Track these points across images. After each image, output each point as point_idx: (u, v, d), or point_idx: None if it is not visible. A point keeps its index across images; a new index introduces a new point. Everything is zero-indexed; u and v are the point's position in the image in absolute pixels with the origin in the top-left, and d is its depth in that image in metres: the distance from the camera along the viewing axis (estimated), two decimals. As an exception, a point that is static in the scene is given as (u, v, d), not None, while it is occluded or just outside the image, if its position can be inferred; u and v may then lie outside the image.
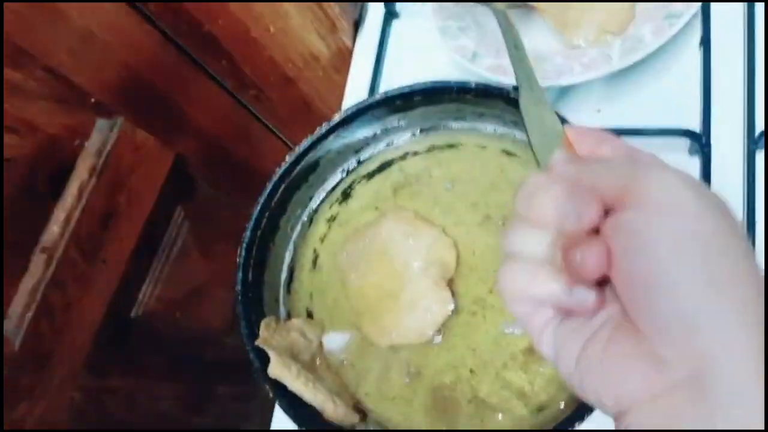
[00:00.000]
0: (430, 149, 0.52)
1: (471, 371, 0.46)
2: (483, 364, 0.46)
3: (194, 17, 0.61)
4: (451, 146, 0.51)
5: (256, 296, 0.49)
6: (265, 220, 0.49)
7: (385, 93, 0.47)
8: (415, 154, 0.53)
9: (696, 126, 0.48)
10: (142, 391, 0.76)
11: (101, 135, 0.64)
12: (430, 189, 0.51)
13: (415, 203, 0.51)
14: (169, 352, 0.79)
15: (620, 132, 0.49)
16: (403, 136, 0.53)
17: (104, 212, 0.64)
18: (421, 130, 0.52)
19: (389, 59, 0.61)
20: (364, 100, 0.48)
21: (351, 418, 0.46)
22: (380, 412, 0.48)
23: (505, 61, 0.51)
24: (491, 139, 0.50)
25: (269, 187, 0.49)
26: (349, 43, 0.64)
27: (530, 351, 0.45)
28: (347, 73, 0.64)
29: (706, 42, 0.50)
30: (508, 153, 0.49)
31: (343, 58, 0.64)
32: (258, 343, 0.46)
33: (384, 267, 0.49)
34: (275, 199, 0.50)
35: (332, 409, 0.46)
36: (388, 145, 0.53)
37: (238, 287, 0.48)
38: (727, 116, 0.49)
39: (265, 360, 0.45)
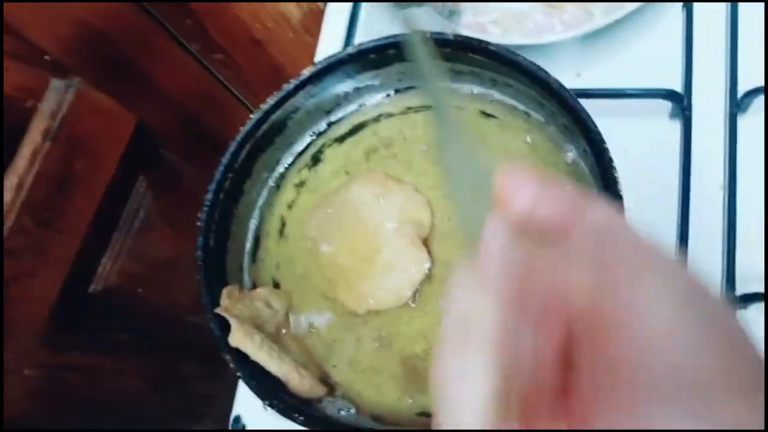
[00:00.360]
0: (405, 111, 0.50)
1: (443, 340, 0.44)
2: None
3: (157, -28, 0.58)
4: (427, 107, 0.49)
5: (218, 263, 0.47)
6: (228, 183, 0.47)
7: (359, 45, 0.45)
8: (390, 115, 0.50)
9: (678, 88, 0.47)
10: (105, 369, 0.73)
11: (57, 96, 0.60)
12: (405, 152, 0.49)
13: (389, 167, 0.49)
14: (132, 329, 0.76)
15: (601, 94, 0.47)
16: (376, 97, 0.50)
17: (60, 178, 0.61)
18: (396, 91, 0.50)
19: (363, 20, 0.59)
20: (336, 53, 0.45)
21: (317, 391, 0.44)
22: (349, 385, 0.46)
23: (484, 19, 0.49)
24: (468, 100, 0.48)
25: (233, 146, 0.46)
26: (321, 3, 0.61)
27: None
28: (319, 36, 0.61)
29: (688, 3, 0.48)
30: (486, 114, 0.47)
31: (315, 20, 0.61)
32: (219, 311, 0.43)
33: (356, 231, 0.47)
34: (239, 160, 0.47)
35: (298, 380, 0.43)
36: (360, 106, 0.50)
37: (199, 253, 0.45)
38: (709, 79, 0.47)
39: (227, 329, 0.43)
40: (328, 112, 0.50)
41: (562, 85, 0.39)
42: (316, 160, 0.51)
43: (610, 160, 0.37)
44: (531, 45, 0.48)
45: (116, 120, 0.65)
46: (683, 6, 0.49)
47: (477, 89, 0.47)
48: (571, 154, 0.42)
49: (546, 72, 0.40)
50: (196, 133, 0.74)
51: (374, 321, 0.46)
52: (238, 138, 0.46)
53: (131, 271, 0.72)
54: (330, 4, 0.61)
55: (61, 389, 0.69)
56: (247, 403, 0.54)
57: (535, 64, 0.41)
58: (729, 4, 0.48)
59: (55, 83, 0.60)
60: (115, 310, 0.71)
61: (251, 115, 0.46)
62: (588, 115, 0.38)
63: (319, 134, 0.51)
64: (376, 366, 0.45)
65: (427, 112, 0.49)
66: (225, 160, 0.46)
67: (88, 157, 0.63)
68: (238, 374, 0.42)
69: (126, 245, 0.71)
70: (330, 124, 0.51)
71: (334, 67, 0.46)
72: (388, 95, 0.50)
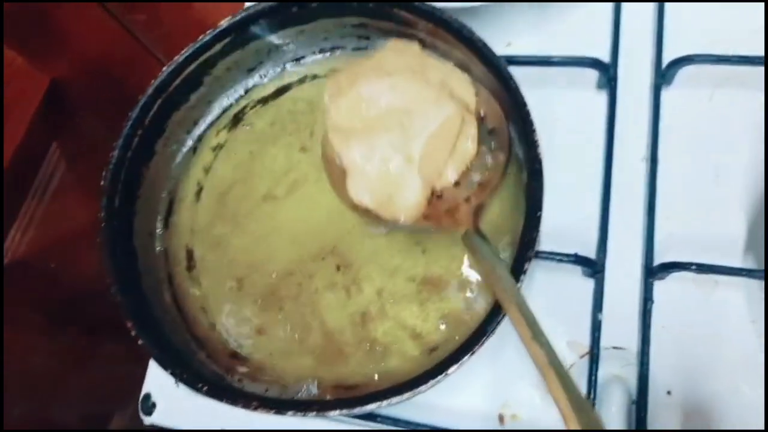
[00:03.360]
0: (331, 72, 0.48)
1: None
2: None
3: None
4: None
5: (123, 225, 0.44)
6: (137, 140, 0.44)
7: None
8: (315, 77, 0.48)
9: (606, 59, 0.47)
10: (12, 347, 0.68)
11: (-44, 48, 0.55)
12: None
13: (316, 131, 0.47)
14: (44, 305, 0.71)
15: (527, 62, 0.46)
16: (302, 56, 0.48)
17: (-41, 139, 0.56)
18: (321, 50, 0.48)
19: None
20: (255, 5, 0.43)
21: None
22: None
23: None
24: None
25: (142, 100, 0.43)
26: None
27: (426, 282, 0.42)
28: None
29: (618, -28, 0.48)
30: None
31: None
32: None
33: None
34: (150, 116, 0.44)
35: None
36: (285, 65, 0.48)
37: (102, 214, 0.42)
38: (636, 50, 0.47)
39: (131, 296, 0.41)
40: (250, 71, 0.48)
41: (485, 44, 0.38)
42: (236, 121, 0.49)
43: (528, 114, 0.36)
44: (462, 9, 0.46)
45: (26, 78, 0.61)
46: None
47: (405, 50, 0.45)
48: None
49: (471, 30, 0.39)
50: (116, 94, 0.69)
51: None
52: (149, 91, 0.43)
53: (43, 243, 0.67)
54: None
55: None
56: (158, 381, 0.51)
57: (460, 22, 0.39)
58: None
59: (-46, 34, 0.55)
60: (25, 284, 0.67)
61: (163, 68, 0.43)
62: (510, 75, 0.37)
63: (241, 95, 0.49)
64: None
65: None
66: (133, 114, 0.43)
67: (-8, 117, 0.58)
68: (141, 341, 0.39)
69: (37, 215, 0.66)
70: (252, 84, 0.48)
71: (254, 19, 0.43)
72: (314, 54, 0.48)
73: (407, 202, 0.39)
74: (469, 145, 0.39)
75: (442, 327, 0.41)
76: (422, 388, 0.34)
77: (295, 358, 0.43)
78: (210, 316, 0.45)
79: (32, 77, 0.61)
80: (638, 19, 0.48)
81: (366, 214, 0.40)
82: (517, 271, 0.34)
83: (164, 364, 0.38)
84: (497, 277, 0.34)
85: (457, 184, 0.40)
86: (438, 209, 0.40)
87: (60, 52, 0.62)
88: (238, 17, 0.43)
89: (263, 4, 0.43)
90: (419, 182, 0.39)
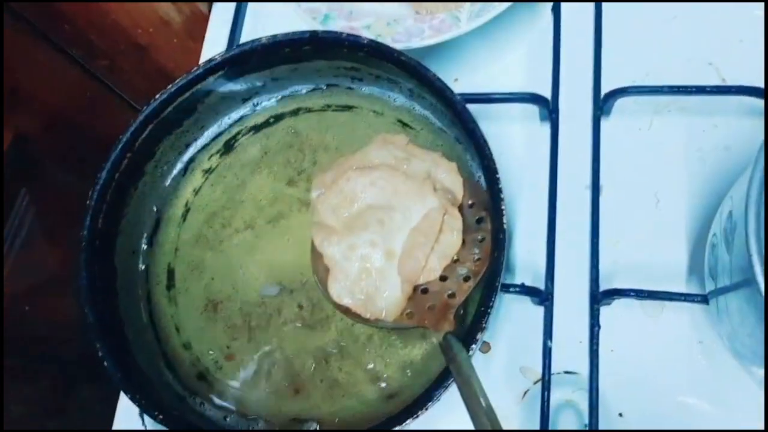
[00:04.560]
0: (325, 108, 0.49)
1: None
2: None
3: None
4: (347, 108, 0.49)
5: (106, 245, 0.45)
6: (126, 162, 0.45)
7: (273, 37, 0.43)
8: (309, 110, 0.49)
9: (548, 92, 0.48)
10: (-6, 394, 0.69)
11: None
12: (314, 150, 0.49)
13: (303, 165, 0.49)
14: (20, 351, 0.71)
15: (471, 99, 0.47)
16: (297, 90, 0.50)
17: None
18: (316, 86, 0.49)
19: (247, 25, 0.58)
20: (249, 42, 0.44)
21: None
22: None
23: (357, 24, 0.49)
24: (388, 106, 0.48)
25: (134, 125, 0.44)
26: (203, 9, 0.59)
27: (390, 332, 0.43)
28: (204, 40, 0.60)
29: (556, 8, 0.50)
30: (403, 123, 0.47)
31: (198, 24, 0.60)
32: None
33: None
34: (140, 140, 0.45)
35: None
36: (279, 97, 0.50)
37: (84, 233, 0.43)
38: (575, 83, 0.49)
39: (100, 317, 0.42)
40: (245, 100, 0.50)
41: (465, 107, 0.39)
42: (228, 147, 0.50)
43: (498, 182, 0.38)
44: (406, 49, 0.48)
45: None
46: (552, 8, 0.51)
47: (399, 100, 0.47)
48: (478, 174, 0.42)
49: (452, 92, 0.40)
50: (82, 141, 0.70)
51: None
52: (140, 117, 0.45)
53: (16, 289, 0.68)
54: (215, 6, 0.59)
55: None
56: (127, 420, 0.52)
57: (442, 82, 0.40)
58: (594, 4, 0.50)
59: None
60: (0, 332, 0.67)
61: (156, 96, 0.45)
62: (485, 140, 0.39)
63: (235, 122, 0.50)
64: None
65: (345, 112, 0.49)
66: (124, 138, 0.44)
67: (-43, 171, 0.59)
68: (106, 363, 0.40)
69: (8, 263, 0.67)
70: (245, 112, 0.50)
71: (247, 56, 0.45)
72: (310, 90, 0.49)
73: (387, 301, 0.38)
74: (453, 237, 0.38)
75: (401, 374, 0.42)
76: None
77: (258, 387, 0.44)
78: (182, 336, 0.46)
79: (-4, 129, 0.62)
80: (577, 53, 0.50)
81: (348, 312, 0.39)
82: (469, 342, 0.36)
83: (125, 389, 0.40)
84: (472, 392, 0.32)
85: (443, 278, 0.39)
86: (422, 306, 0.38)
87: (22, 104, 0.63)
88: (231, 53, 0.44)
89: (256, 43, 0.44)
90: (399, 279, 0.38)
